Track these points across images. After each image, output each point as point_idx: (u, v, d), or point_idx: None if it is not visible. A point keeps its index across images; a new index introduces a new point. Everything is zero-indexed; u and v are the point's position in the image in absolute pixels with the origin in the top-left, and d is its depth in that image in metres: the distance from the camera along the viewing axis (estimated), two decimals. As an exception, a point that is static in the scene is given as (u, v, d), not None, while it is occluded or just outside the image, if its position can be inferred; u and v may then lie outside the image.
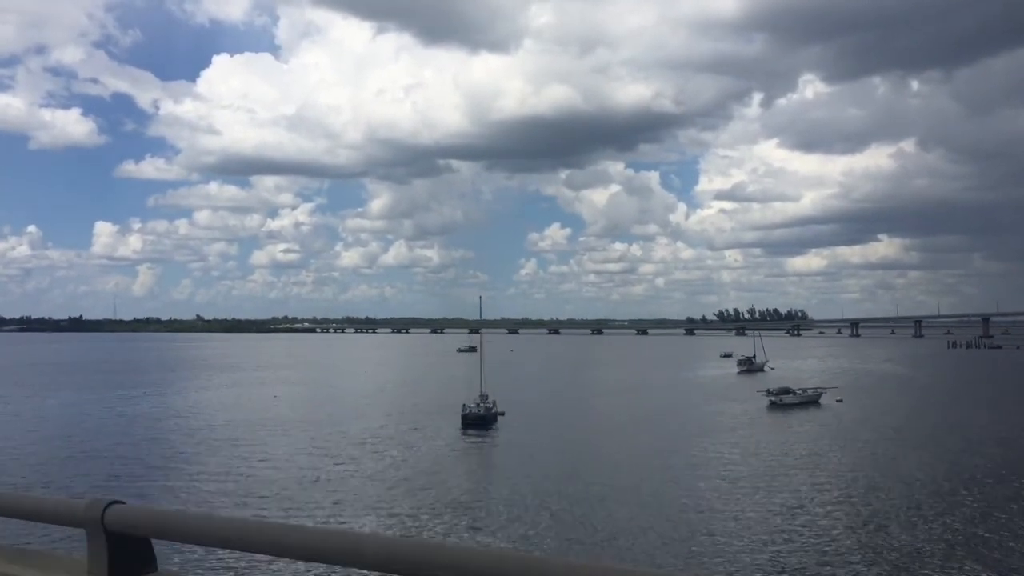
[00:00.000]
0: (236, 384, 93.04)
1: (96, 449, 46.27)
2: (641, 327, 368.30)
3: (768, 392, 67.65)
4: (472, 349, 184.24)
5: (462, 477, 39.36)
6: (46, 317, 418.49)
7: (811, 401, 66.95)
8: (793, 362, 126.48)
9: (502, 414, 57.84)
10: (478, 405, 57.39)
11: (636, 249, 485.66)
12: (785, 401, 65.57)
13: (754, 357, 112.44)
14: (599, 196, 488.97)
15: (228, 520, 2.76)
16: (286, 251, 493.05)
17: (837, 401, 67.60)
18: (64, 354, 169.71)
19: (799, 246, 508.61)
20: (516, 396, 63.03)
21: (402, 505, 32.97)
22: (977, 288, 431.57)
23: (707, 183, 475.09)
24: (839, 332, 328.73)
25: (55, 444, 48.17)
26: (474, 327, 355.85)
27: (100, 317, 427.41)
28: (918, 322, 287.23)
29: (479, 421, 55.78)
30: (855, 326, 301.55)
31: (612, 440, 49.81)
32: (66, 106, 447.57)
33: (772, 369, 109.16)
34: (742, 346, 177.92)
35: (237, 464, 41.82)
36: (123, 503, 2.83)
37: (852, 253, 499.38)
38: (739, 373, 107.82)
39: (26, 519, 3.25)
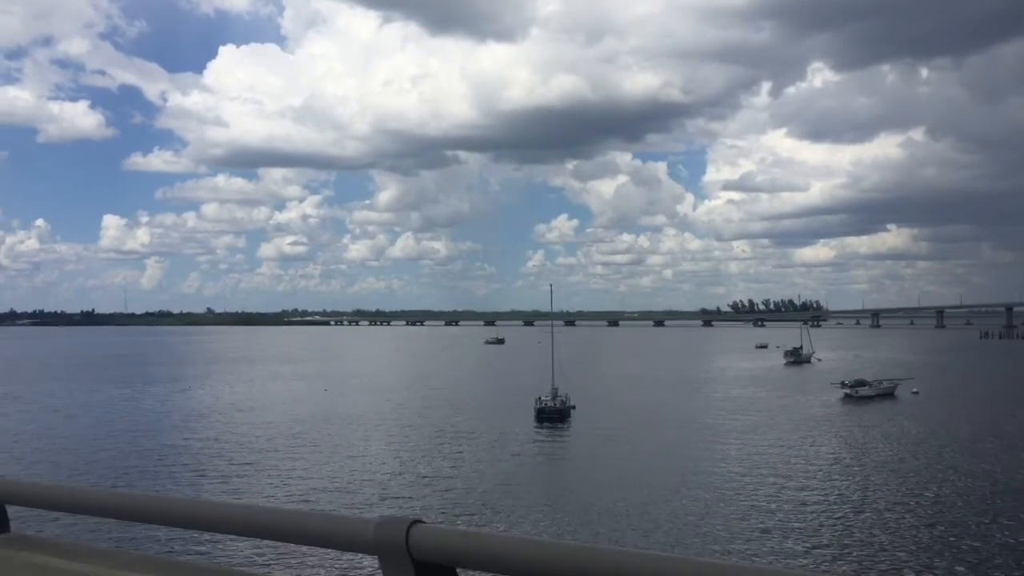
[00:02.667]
0: (277, 377, 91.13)
1: (171, 446, 44.31)
2: (652, 318, 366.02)
3: (843, 384, 65.43)
4: (500, 341, 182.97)
5: (566, 477, 37.24)
6: (59, 311, 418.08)
7: (887, 393, 64.65)
8: (834, 353, 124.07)
9: (573, 407, 55.75)
10: (553, 399, 55.26)
11: (644, 240, 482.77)
12: (861, 393, 63.30)
13: (801, 348, 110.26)
14: (606, 187, 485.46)
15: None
16: (294, 244, 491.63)
17: (913, 393, 65.32)
18: (90, 348, 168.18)
19: (807, 236, 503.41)
20: (572, 390, 60.58)
21: (525, 506, 30.86)
22: (987, 278, 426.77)
23: (715, 173, 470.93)
24: (857, 323, 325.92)
25: (123, 441, 46.24)
26: (489, 319, 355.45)
27: (109, 310, 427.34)
28: (940, 312, 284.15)
29: (555, 415, 53.71)
30: (876, 316, 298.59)
31: (700, 436, 47.55)
32: (74, 99, 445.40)
33: (819, 361, 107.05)
34: (771, 337, 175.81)
35: (326, 461, 39.78)
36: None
37: (860, 243, 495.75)
38: (786, 364, 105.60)
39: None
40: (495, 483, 34.82)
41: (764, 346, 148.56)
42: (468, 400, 66.13)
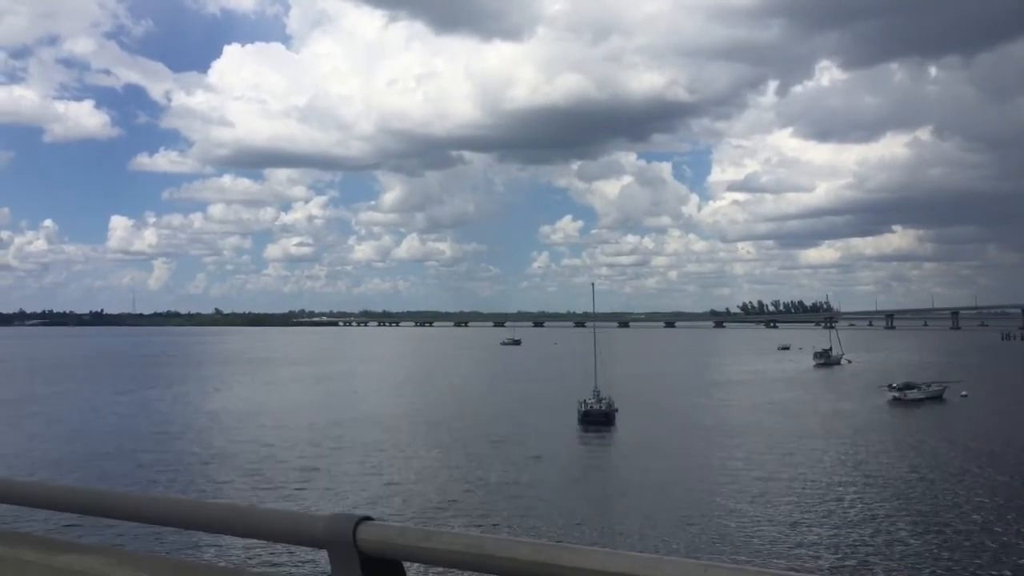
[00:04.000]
0: (302, 378, 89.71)
1: (219, 449, 42.81)
2: (659, 319, 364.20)
3: (891, 387, 63.71)
4: (516, 342, 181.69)
5: (638, 484, 35.58)
6: (67, 311, 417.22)
7: (936, 396, 62.91)
8: (860, 355, 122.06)
9: (616, 411, 54.10)
10: (599, 401, 53.62)
11: (648, 242, 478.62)
12: (910, 396, 61.58)
13: (830, 350, 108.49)
14: (611, 188, 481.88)
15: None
16: (299, 244, 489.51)
17: (962, 396, 63.56)
18: (104, 348, 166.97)
19: (812, 238, 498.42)
20: (609, 391, 59.10)
21: (607, 516, 29.28)
22: (994, 279, 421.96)
23: (720, 174, 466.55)
24: (870, 324, 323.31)
25: (166, 444, 44.72)
26: (496, 320, 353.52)
27: (117, 311, 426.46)
28: (955, 313, 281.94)
29: (602, 418, 52.13)
30: (890, 318, 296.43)
31: (760, 441, 45.81)
32: (79, 98, 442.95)
33: (849, 363, 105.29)
34: (786, 339, 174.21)
35: (385, 465, 38.33)
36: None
37: (866, 245, 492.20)
38: (816, 366, 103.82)
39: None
40: (568, 492, 33.30)
41: (787, 347, 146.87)
42: (505, 402, 64.63)
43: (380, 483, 35.02)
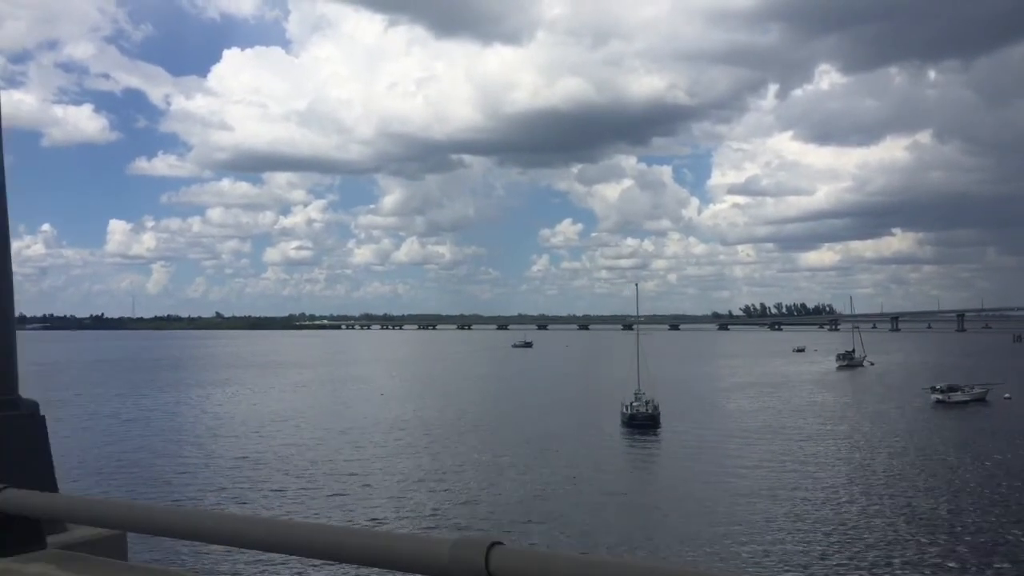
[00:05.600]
0: (325, 381, 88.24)
1: (260, 455, 41.31)
2: (659, 322, 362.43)
3: (934, 388, 62.54)
4: (527, 345, 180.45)
5: (706, 492, 34.20)
6: (68, 315, 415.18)
7: (979, 398, 61.73)
8: (878, 357, 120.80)
9: (659, 413, 52.70)
10: (646, 404, 52.24)
11: (648, 245, 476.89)
12: (954, 399, 60.41)
13: (853, 351, 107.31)
14: (611, 191, 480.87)
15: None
16: (299, 248, 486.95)
17: (1005, 398, 62.33)
18: (110, 352, 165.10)
19: (812, 240, 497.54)
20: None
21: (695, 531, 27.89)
22: (993, 282, 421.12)
23: (720, 177, 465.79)
24: (874, 327, 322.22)
25: (201, 451, 43.31)
26: (499, 323, 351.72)
27: (116, 315, 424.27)
28: (960, 316, 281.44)
29: (648, 421, 50.80)
30: (895, 320, 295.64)
31: (816, 446, 44.61)
32: (78, 102, 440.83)
33: (872, 364, 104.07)
34: (792, 341, 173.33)
35: (440, 473, 36.94)
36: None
37: (865, 247, 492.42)
38: (840, 368, 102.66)
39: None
40: (642, 503, 31.99)
41: (802, 349, 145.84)
42: (538, 404, 63.30)
43: (441, 489, 33.66)
